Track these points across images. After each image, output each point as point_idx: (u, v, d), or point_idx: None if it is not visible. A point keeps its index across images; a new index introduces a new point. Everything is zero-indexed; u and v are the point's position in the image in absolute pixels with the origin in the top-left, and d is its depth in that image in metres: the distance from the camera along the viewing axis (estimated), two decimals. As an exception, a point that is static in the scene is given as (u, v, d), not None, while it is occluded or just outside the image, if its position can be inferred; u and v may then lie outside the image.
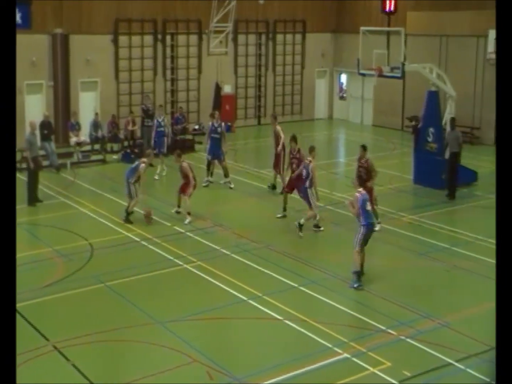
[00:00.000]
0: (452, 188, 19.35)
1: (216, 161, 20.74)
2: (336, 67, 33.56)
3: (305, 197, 16.23)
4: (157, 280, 13.54)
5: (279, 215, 17.57)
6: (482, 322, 11.57)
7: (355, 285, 12.96)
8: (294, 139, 17.71)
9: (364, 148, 16.54)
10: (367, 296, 12.82)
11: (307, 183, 15.99)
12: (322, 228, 16.45)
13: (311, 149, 16.34)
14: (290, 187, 17.46)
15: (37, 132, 20.42)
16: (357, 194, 13.18)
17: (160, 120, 22.70)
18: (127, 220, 16.95)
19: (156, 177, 21.64)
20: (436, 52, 28.23)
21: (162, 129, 22.57)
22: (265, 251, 15.11)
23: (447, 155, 19.83)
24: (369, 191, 14.94)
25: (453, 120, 19.99)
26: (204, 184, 20.15)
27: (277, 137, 19.68)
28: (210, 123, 20.79)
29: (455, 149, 19.40)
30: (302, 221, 15.99)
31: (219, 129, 20.56)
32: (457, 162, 19.55)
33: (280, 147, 19.41)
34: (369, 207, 13.13)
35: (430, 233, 16.39)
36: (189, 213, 17.07)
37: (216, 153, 20.47)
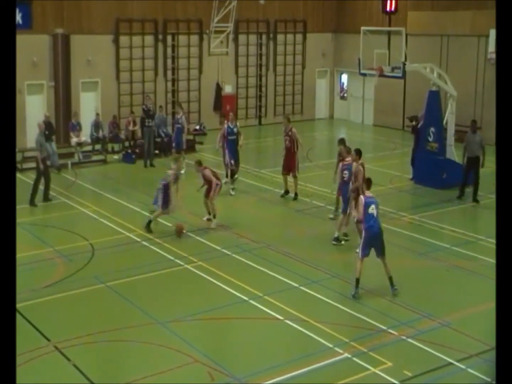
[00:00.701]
0: (462, 190, 19.17)
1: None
2: (337, 67, 33.56)
3: (345, 198, 15.54)
4: (158, 281, 13.54)
5: (331, 216, 17.27)
6: (482, 322, 11.57)
7: (352, 293, 12.69)
8: (343, 142, 16.90)
9: (357, 152, 15.62)
10: (367, 296, 12.81)
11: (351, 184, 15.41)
12: (348, 238, 15.71)
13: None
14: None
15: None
16: (362, 197, 12.94)
17: (178, 116, 23.10)
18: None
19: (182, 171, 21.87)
20: (437, 52, 28.22)
21: (179, 125, 22.88)
22: (265, 251, 15.11)
23: (464, 159, 19.12)
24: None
25: (474, 123, 19.46)
26: (231, 192, 19.77)
27: (291, 139, 18.96)
28: (225, 125, 20.30)
29: (477, 153, 18.80)
30: (336, 234, 15.51)
31: (235, 130, 20.21)
32: (480, 166, 18.82)
33: (299, 150, 19.08)
34: (372, 210, 12.68)
35: (431, 233, 16.38)
36: (214, 216, 16.78)
37: (235, 155, 20.17)
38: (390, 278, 12.75)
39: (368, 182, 13.34)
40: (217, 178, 16.94)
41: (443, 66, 26.88)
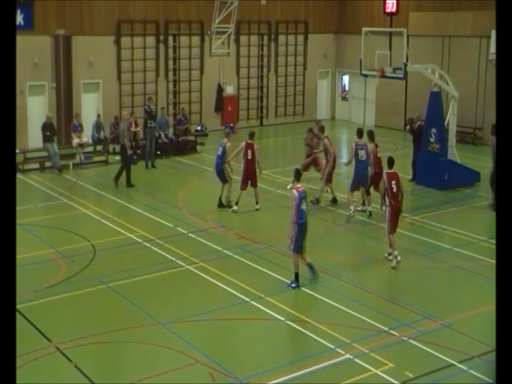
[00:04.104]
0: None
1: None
2: (338, 68, 33.56)
3: None
4: (159, 281, 13.54)
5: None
6: (484, 323, 11.55)
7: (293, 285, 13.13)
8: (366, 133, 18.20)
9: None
10: (369, 297, 12.82)
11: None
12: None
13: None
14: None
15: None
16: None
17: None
18: (229, 204, 18.13)
19: None
20: (438, 53, 28.20)
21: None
22: (267, 252, 15.10)
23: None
24: None
25: (493, 127, 18.71)
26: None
27: (326, 149, 18.73)
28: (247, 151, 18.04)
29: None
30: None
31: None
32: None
33: (331, 160, 18.65)
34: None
35: (433, 234, 16.38)
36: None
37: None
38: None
39: None
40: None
41: (445, 67, 26.87)
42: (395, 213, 14.32)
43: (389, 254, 14.49)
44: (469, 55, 27.51)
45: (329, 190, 19.03)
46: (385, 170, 14.90)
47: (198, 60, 29.64)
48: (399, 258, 14.24)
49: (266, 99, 31.94)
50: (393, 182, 14.32)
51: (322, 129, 19.37)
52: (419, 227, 16.93)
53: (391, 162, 14.69)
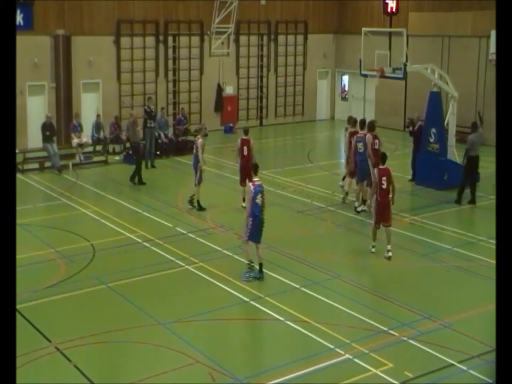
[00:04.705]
0: (462, 192, 18.97)
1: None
2: (338, 68, 33.57)
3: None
4: (159, 281, 13.54)
5: None
6: (484, 323, 11.56)
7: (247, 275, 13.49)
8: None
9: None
10: (368, 297, 12.82)
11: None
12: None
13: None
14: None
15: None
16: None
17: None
18: (200, 207, 17.97)
19: None
20: (438, 53, 28.21)
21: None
22: (266, 252, 15.04)
23: (465, 160, 19.09)
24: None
25: (475, 124, 19.47)
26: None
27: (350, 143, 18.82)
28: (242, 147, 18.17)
29: (478, 152, 18.84)
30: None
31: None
32: (472, 167, 18.77)
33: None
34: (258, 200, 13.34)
35: (432, 234, 16.37)
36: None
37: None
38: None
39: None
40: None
41: (444, 67, 26.89)
42: (381, 208, 14.59)
43: (389, 254, 14.54)
44: (469, 55, 27.52)
45: (344, 186, 18.88)
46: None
47: (198, 60, 29.64)
48: (373, 250, 14.87)
49: (266, 99, 31.94)
50: (384, 178, 14.46)
51: (354, 124, 19.02)
52: (418, 227, 16.93)
53: (383, 158, 14.77)
